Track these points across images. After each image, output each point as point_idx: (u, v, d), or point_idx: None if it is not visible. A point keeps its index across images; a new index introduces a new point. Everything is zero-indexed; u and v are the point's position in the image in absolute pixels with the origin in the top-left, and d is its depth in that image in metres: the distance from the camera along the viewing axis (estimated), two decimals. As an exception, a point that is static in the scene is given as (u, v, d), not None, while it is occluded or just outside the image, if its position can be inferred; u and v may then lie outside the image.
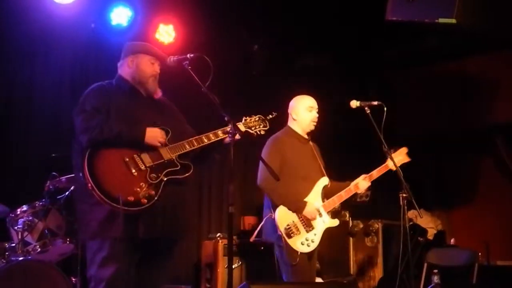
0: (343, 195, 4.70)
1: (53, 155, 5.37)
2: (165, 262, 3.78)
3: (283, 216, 4.51)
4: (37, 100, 6.06)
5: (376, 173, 4.71)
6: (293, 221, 4.51)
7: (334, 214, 4.76)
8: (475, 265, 5.74)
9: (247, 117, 3.96)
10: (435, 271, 5.30)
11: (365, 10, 6.71)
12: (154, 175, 3.54)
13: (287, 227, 4.46)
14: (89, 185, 3.40)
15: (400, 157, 4.74)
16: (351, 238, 6.48)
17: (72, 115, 3.68)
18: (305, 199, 4.59)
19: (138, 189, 3.47)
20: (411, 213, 6.36)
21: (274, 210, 4.53)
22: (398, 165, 4.59)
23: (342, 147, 7.27)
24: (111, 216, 3.44)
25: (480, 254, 5.96)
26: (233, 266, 5.71)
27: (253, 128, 3.93)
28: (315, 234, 4.55)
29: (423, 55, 7.67)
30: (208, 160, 3.93)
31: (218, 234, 6.27)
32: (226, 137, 3.74)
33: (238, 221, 6.76)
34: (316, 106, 4.80)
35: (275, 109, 4.92)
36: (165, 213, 3.61)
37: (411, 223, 6.58)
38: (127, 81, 3.81)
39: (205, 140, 3.72)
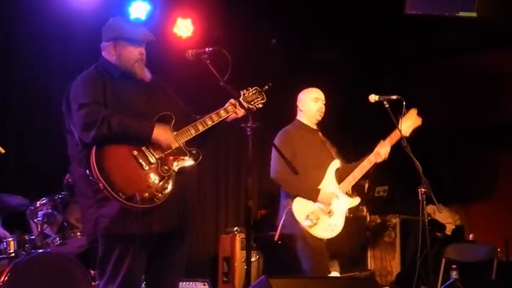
0: (357, 173, 4.69)
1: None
2: (182, 256, 3.65)
3: (300, 208, 4.53)
4: (56, 93, 6.09)
5: (390, 140, 4.66)
6: (312, 211, 4.52)
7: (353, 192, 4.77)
8: (494, 260, 5.70)
9: (245, 91, 3.83)
10: (454, 266, 5.28)
11: (382, 3, 6.68)
12: (165, 167, 3.42)
13: (307, 218, 4.48)
14: (100, 184, 3.23)
15: (410, 120, 4.65)
16: (368, 233, 6.47)
17: (63, 110, 3.52)
18: (319, 186, 4.61)
19: (152, 184, 3.35)
20: (429, 208, 6.31)
21: (292, 201, 4.54)
22: (411, 129, 4.60)
23: (355, 139, 7.24)
24: (123, 211, 3.31)
25: (499, 250, 5.92)
26: (251, 260, 5.74)
27: (252, 103, 3.81)
28: (337, 219, 4.56)
29: (441, 49, 7.62)
30: (210, 139, 3.76)
31: (236, 228, 6.28)
32: (229, 115, 3.68)
33: (255, 215, 6.76)
34: (323, 98, 4.88)
35: (289, 102, 4.91)
36: (178, 205, 3.49)
37: (429, 218, 6.54)
38: (115, 66, 3.60)
39: (209, 122, 3.61)
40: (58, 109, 5.97)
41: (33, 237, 4.82)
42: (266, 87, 3.93)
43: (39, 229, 4.77)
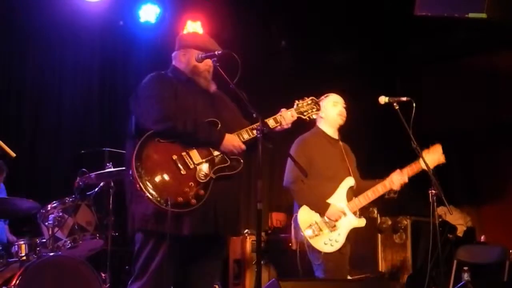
0: (370, 195, 4.61)
1: (83, 151, 5.44)
2: (212, 262, 3.67)
3: (305, 217, 4.48)
4: (67, 97, 6.13)
5: (409, 171, 4.59)
6: (316, 222, 4.46)
7: (361, 212, 4.65)
8: (506, 262, 5.66)
9: (299, 101, 3.84)
10: (465, 268, 5.25)
11: (391, 4, 6.67)
12: (203, 173, 3.44)
13: (309, 228, 4.44)
14: (138, 185, 3.30)
15: (434, 155, 4.61)
16: (379, 235, 6.44)
17: (132, 103, 3.56)
18: (329, 200, 4.54)
19: (187, 189, 3.37)
20: (440, 210, 6.27)
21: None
22: (433, 165, 4.50)
23: (371, 144, 7.23)
24: (157, 210, 3.36)
25: (511, 251, 5.88)
26: (261, 262, 5.74)
27: (305, 113, 3.82)
28: (339, 234, 4.48)
29: (451, 49, 7.59)
30: (256, 150, 3.68)
31: (246, 231, 6.27)
32: (277, 126, 3.69)
33: (266, 217, 6.75)
34: (342, 102, 4.77)
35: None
36: (212, 211, 3.50)
37: (440, 219, 6.51)
38: (183, 73, 3.71)
39: (255, 132, 3.60)
40: (69, 114, 6.06)
41: (44, 240, 4.84)
42: (323, 98, 3.93)
43: (50, 232, 4.79)
